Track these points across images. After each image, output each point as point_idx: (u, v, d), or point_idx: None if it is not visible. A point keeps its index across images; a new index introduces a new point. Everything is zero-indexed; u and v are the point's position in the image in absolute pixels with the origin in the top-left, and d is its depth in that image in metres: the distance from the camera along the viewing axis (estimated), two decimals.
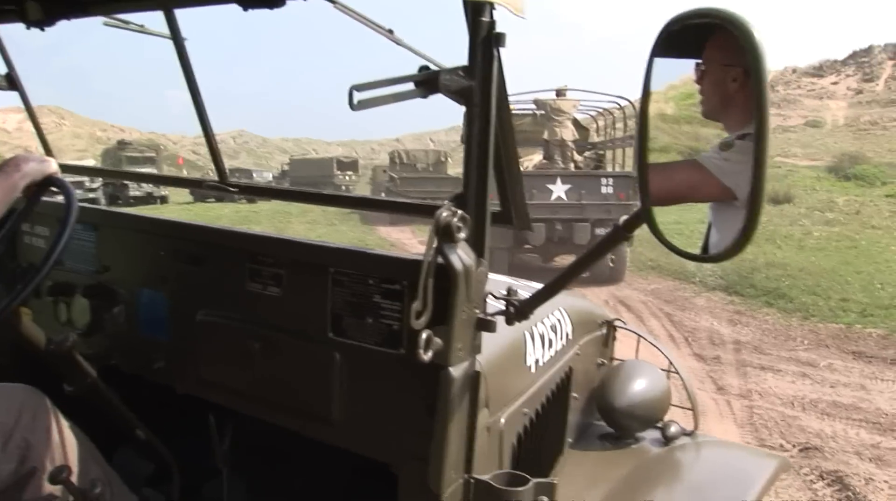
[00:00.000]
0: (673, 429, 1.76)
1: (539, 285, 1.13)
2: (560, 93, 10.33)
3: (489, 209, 1.02)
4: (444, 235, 0.96)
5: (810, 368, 5.79)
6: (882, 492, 3.61)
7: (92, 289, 1.53)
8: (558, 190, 9.09)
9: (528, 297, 1.07)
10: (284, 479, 1.69)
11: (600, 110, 11.67)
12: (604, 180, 9.30)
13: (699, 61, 0.89)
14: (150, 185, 23.84)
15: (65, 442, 1.37)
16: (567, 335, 1.61)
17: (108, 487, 1.39)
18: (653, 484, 1.61)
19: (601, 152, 11.57)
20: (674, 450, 1.73)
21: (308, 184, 27.17)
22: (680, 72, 0.87)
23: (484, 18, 0.95)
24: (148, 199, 24.67)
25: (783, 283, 8.81)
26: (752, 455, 2.07)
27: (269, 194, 1.94)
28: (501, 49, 0.97)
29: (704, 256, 0.93)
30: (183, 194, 25.54)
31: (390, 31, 1.23)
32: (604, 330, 1.92)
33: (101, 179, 20.41)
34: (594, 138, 12.15)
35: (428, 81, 0.94)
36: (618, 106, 10.80)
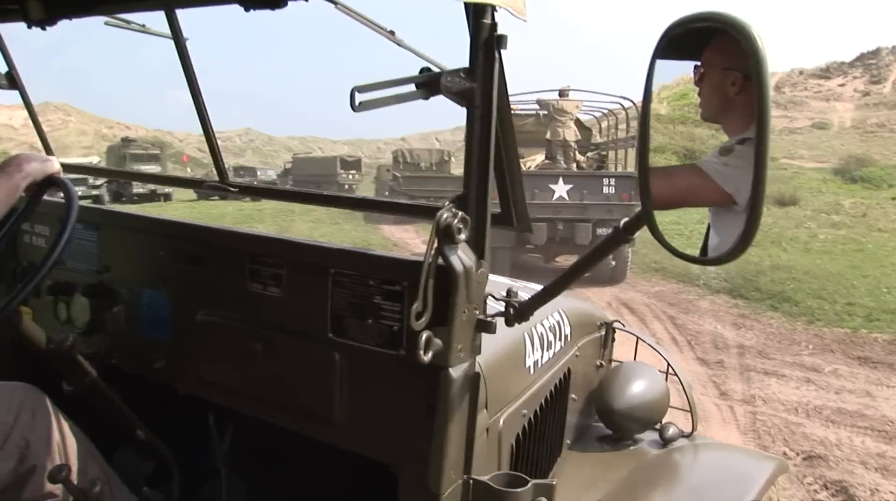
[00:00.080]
0: (671, 431, 1.77)
1: (539, 287, 1.13)
2: (563, 93, 10.32)
3: (490, 211, 1.02)
4: (445, 236, 0.96)
5: (815, 373, 5.73)
6: None
7: (92, 288, 1.53)
8: (560, 190, 9.09)
9: (527, 299, 1.07)
10: (284, 479, 1.69)
11: (603, 111, 11.67)
12: (606, 181, 9.29)
13: (698, 63, 0.89)
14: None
15: (65, 441, 1.37)
16: (566, 336, 1.61)
17: (107, 486, 1.38)
18: (651, 486, 1.61)
19: (604, 153, 11.57)
20: (672, 452, 1.73)
21: (311, 183, 27.17)
22: (674, 72, 0.86)
23: (485, 20, 0.94)
24: (152, 196, 24.71)
25: (788, 286, 8.75)
26: (750, 457, 2.07)
27: (269, 195, 1.93)
28: (503, 51, 0.97)
29: (703, 258, 0.92)
30: (187, 192, 25.50)
31: (392, 33, 1.23)
32: (602, 332, 1.93)
33: None
34: (597, 139, 12.15)
35: (429, 83, 0.94)
36: (621, 107, 10.79)
